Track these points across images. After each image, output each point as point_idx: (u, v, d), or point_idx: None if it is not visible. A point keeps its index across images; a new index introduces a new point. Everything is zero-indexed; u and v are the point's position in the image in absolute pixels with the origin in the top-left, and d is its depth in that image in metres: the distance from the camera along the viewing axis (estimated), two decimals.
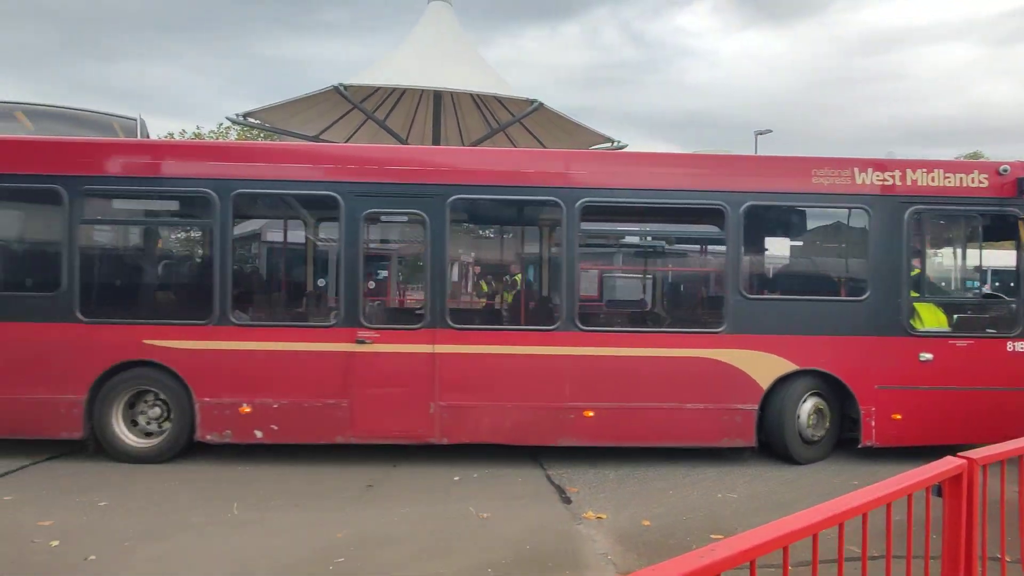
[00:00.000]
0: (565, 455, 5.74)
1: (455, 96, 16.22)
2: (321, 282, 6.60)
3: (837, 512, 1.83)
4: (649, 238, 7.06)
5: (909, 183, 5.61)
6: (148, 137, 7.81)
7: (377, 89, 14.60)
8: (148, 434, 5.42)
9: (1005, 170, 5.57)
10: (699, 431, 5.51)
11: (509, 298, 7.75)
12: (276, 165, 5.54)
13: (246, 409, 5.26)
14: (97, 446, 5.36)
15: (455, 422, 5.39)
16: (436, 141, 16.63)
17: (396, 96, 16.21)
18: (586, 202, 5.44)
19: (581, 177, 5.53)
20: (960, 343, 5.62)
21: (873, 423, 5.50)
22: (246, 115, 14.14)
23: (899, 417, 5.50)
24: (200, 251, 5.93)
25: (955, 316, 5.90)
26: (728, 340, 5.50)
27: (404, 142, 16.04)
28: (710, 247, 7.09)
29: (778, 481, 5.18)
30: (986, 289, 7.69)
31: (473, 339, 5.46)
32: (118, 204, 5.83)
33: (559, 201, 5.47)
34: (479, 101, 16.32)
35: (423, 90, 15.19)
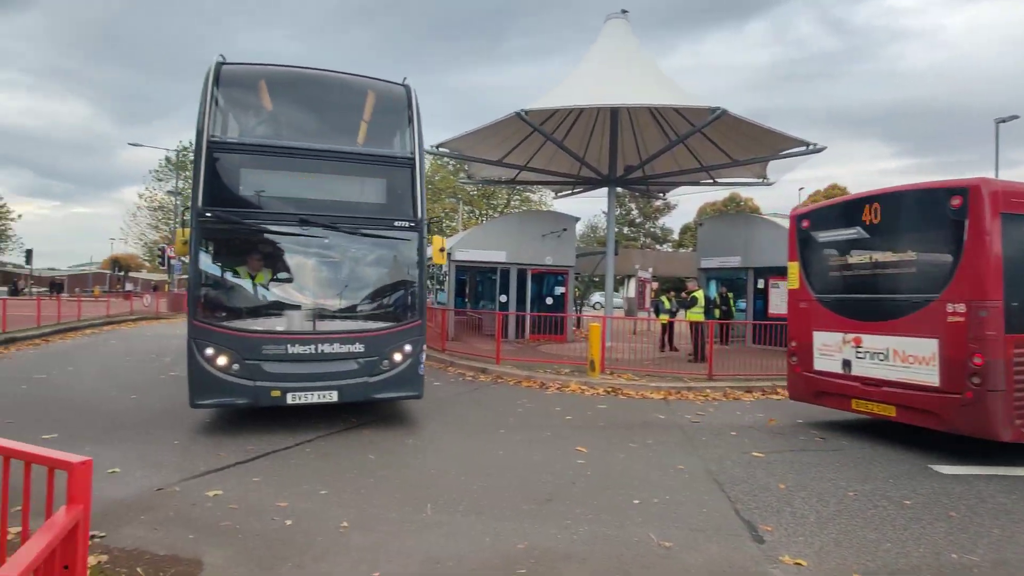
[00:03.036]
0: (756, 491, 5.30)
1: (632, 111, 16.11)
2: None
3: None
4: None
5: None
6: (415, 106, 7.44)
7: (556, 111, 15.09)
8: None
9: None
10: None
11: None
12: None
13: None
14: None
15: None
16: (613, 157, 16.66)
17: (574, 116, 16.57)
18: None
19: None
20: None
21: None
22: (438, 146, 15.55)
23: None
24: None
25: None
26: None
27: (582, 160, 16.31)
28: None
29: None
30: None
31: None
32: None
33: None
34: (657, 114, 15.99)
35: (600, 108, 15.33)
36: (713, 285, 18.56)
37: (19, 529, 3.60)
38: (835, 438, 7.27)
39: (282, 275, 7.10)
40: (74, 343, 16.09)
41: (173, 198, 40.79)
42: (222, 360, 6.51)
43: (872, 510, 4.89)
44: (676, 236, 60.65)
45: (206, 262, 6.67)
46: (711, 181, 18.11)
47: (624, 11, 15.57)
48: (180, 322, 24.95)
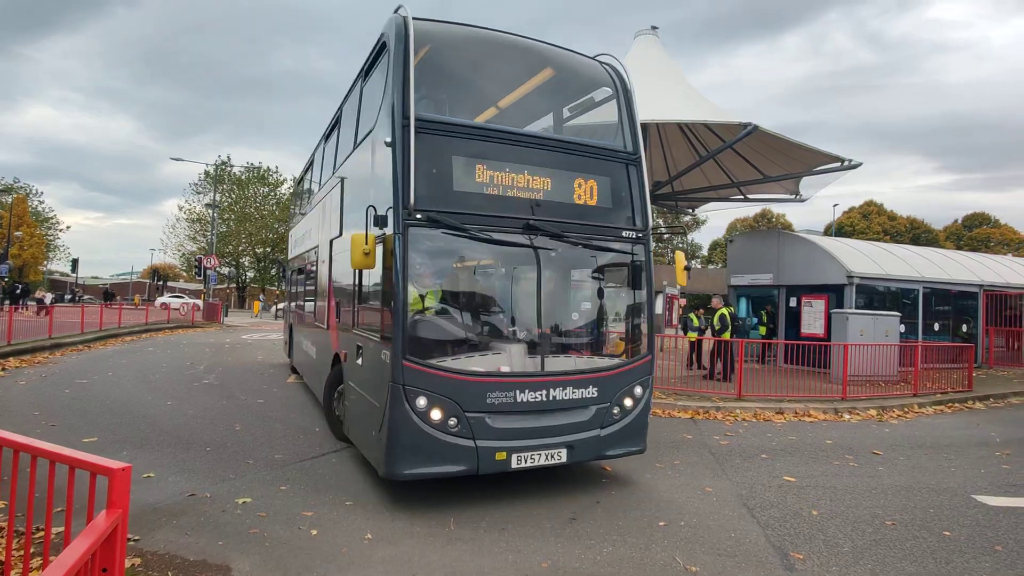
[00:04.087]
0: (788, 517, 5.16)
1: (660, 126, 16.04)
2: None
3: None
4: None
5: None
6: (632, 89, 6.30)
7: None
8: None
9: None
10: None
11: None
12: None
13: None
14: None
15: None
16: None
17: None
18: None
19: None
20: None
21: None
22: None
23: None
24: None
25: None
26: None
27: None
28: None
29: None
30: None
31: None
32: None
33: None
34: (686, 129, 15.91)
35: None
36: (743, 302, 18.26)
37: (60, 529, 3.72)
38: (871, 464, 7.05)
39: (506, 298, 5.77)
40: (114, 350, 16.60)
41: (210, 211, 42.02)
42: (437, 414, 4.87)
43: (911, 541, 4.71)
44: (705, 252, 59.92)
45: (417, 280, 5.13)
46: (742, 197, 17.88)
47: (654, 27, 15.60)
48: (214, 330, 25.55)
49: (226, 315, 33.39)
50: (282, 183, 54.26)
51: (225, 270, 52.33)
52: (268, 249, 53.11)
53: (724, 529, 4.81)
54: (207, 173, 50.66)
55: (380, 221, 5.01)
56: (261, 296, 53.15)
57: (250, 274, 58.99)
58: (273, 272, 53.89)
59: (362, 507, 5.02)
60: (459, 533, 4.56)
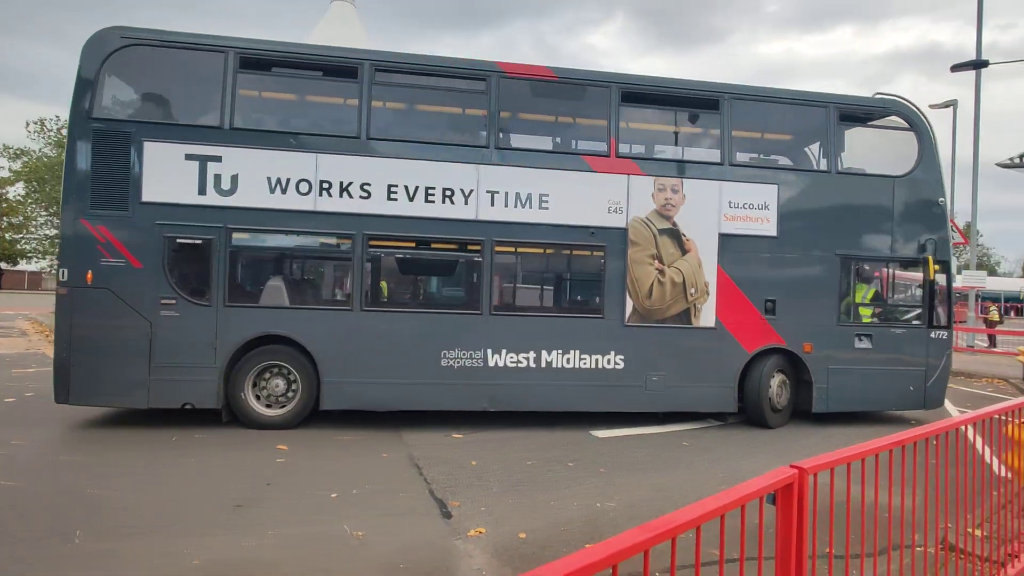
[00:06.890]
0: (452, 470, 5.73)
1: None
2: None
3: (670, 527, 1.93)
4: None
5: None
6: None
7: None
8: None
9: None
10: None
11: None
12: None
13: None
14: None
15: None
16: None
17: None
18: None
19: None
20: None
21: None
22: None
23: None
24: None
25: None
26: None
27: None
28: None
29: (654, 490, 5.43)
30: None
31: None
32: None
33: None
34: None
35: None
36: None
37: None
38: (516, 418, 8.08)
39: None
40: None
41: None
42: None
43: (547, 474, 5.71)
44: None
45: None
46: None
47: None
48: None
49: None
50: None
51: None
52: None
53: (393, 491, 5.10)
54: None
55: None
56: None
57: None
58: None
59: None
60: (95, 546, 3.85)
